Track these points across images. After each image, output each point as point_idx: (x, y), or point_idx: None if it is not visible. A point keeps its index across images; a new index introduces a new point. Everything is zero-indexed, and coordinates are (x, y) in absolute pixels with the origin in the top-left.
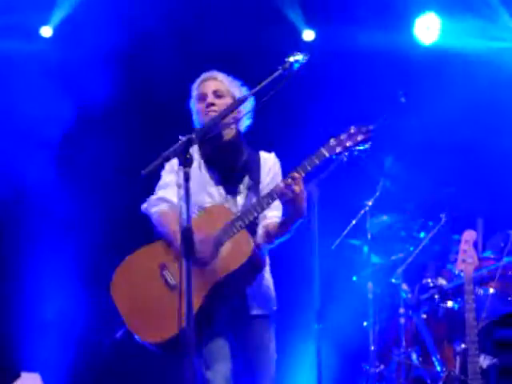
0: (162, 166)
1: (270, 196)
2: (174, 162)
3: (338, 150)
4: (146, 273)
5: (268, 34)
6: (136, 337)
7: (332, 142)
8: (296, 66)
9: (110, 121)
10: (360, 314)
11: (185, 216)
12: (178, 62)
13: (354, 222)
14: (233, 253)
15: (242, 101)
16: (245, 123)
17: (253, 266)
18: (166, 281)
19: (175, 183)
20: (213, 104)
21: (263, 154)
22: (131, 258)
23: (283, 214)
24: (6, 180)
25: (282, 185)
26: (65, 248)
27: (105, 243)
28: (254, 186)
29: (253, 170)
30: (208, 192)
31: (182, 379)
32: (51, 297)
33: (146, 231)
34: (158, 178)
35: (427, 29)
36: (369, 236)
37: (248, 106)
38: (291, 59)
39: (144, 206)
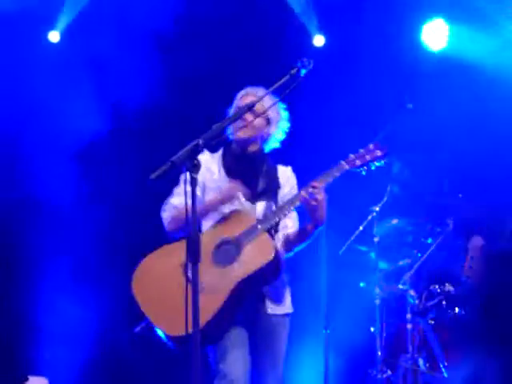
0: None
1: (292, 203)
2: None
3: (358, 163)
4: (168, 271)
5: (280, 38)
6: (160, 330)
7: (352, 156)
8: (303, 72)
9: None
10: (367, 320)
11: (191, 221)
12: (193, 67)
13: (361, 227)
14: (255, 254)
15: (250, 107)
16: (271, 145)
17: (273, 268)
18: (188, 279)
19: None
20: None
21: (281, 167)
22: (152, 256)
23: (302, 222)
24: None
25: (303, 193)
26: (76, 252)
27: (121, 247)
28: (273, 196)
29: (272, 180)
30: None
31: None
32: (60, 300)
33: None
34: (167, 182)
35: (435, 35)
36: (376, 242)
37: (281, 128)
38: (298, 65)
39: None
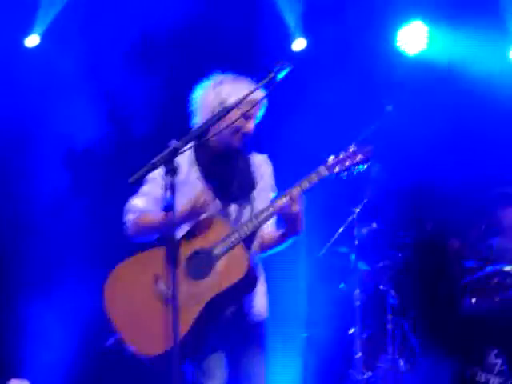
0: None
1: (268, 212)
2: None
3: (338, 169)
4: (139, 284)
5: (259, 40)
6: (131, 348)
7: (331, 160)
8: (281, 75)
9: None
10: (347, 321)
11: (170, 229)
12: (172, 64)
13: (341, 229)
14: (229, 268)
15: (228, 110)
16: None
17: (248, 281)
18: (160, 293)
19: (153, 193)
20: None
21: (256, 158)
22: (123, 267)
23: (279, 228)
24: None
25: (280, 201)
26: (58, 254)
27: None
28: (248, 197)
29: (247, 178)
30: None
31: None
32: (43, 304)
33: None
34: None
35: (413, 38)
36: (356, 243)
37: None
38: (276, 68)
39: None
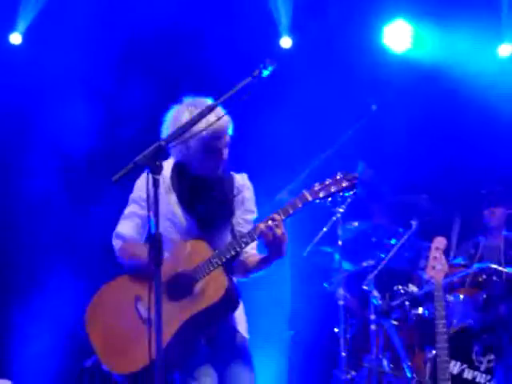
0: (133, 172)
1: (250, 236)
2: (142, 189)
3: (322, 194)
4: (120, 305)
5: (247, 38)
6: (104, 367)
7: (317, 186)
8: (266, 73)
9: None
10: (331, 321)
11: (152, 224)
12: (156, 60)
13: (325, 229)
14: (208, 290)
15: (210, 109)
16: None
17: (227, 303)
18: (139, 314)
19: (135, 214)
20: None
21: (236, 177)
22: (106, 288)
23: (262, 252)
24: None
25: (262, 226)
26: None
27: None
28: (228, 219)
29: (227, 202)
30: (176, 223)
31: None
32: (34, 307)
33: None
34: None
35: (398, 36)
36: (340, 243)
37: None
38: (260, 66)
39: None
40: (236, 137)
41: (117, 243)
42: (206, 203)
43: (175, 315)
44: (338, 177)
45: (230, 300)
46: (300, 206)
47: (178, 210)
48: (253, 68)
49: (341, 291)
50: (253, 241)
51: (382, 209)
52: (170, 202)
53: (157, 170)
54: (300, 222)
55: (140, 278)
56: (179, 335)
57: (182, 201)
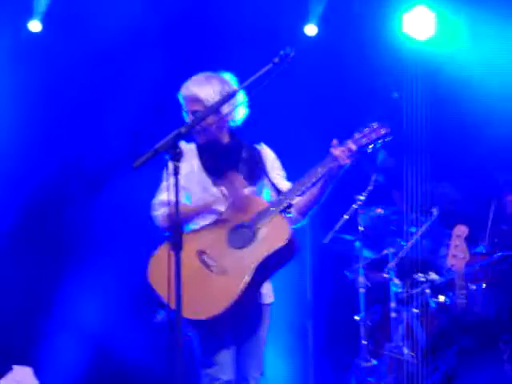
0: (152, 159)
1: (309, 179)
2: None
3: (364, 141)
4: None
5: (271, 25)
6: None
7: (357, 135)
8: (287, 59)
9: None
10: (351, 309)
11: (175, 210)
12: (173, 49)
13: (345, 216)
14: (272, 235)
15: (229, 96)
16: (238, 117)
17: (291, 246)
18: (207, 265)
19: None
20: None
21: (258, 148)
22: (165, 247)
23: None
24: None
25: (320, 169)
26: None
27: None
28: (258, 181)
29: (254, 164)
30: (211, 193)
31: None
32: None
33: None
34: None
35: (420, 23)
36: (360, 230)
37: (237, 99)
38: (281, 53)
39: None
40: (256, 123)
41: (160, 213)
42: (232, 167)
43: (245, 261)
44: (374, 125)
45: (293, 244)
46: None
47: (207, 179)
48: (275, 52)
49: (361, 279)
50: (310, 183)
51: (402, 196)
52: (199, 172)
53: (177, 157)
54: (321, 209)
55: (196, 234)
56: (249, 284)
57: (208, 170)
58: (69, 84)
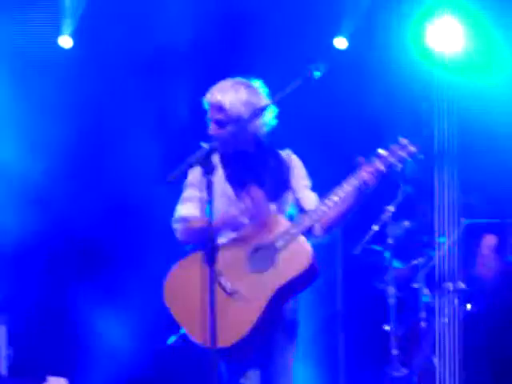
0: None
1: (334, 197)
2: (195, 173)
3: (392, 160)
4: (199, 280)
5: (299, 36)
6: (198, 343)
7: (383, 152)
8: (317, 74)
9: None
10: (381, 319)
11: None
12: (204, 57)
13: (375, 227)
14: (291, 259)
15: (260, 111)
16: (265, 127)
17: (311, 272)
18: (223, 288)
19: (195, 197)
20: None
21: (284, 154)
22: (181, 265)
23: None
24: None
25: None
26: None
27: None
28: (283, 192)
29: (283, 176)
30: (236, 205)
31: None
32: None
33: None
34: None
35: (444, 36)
36: (390, 241)
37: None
38: (311, 68)
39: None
40: (281, 131)
41: (178, 226)
42: (256, 179)
43: (263, 287)
44: (403, 142)
45: (313, 269)
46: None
47: (230, 190)
48: (304, 61)
49: (391, 289)
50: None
51: (430, 207)
52: (226, 183)
53: (210, 171)
54: (351, 219)
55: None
56: (266, 309)
57: (230, 181)
58: (100, 98)
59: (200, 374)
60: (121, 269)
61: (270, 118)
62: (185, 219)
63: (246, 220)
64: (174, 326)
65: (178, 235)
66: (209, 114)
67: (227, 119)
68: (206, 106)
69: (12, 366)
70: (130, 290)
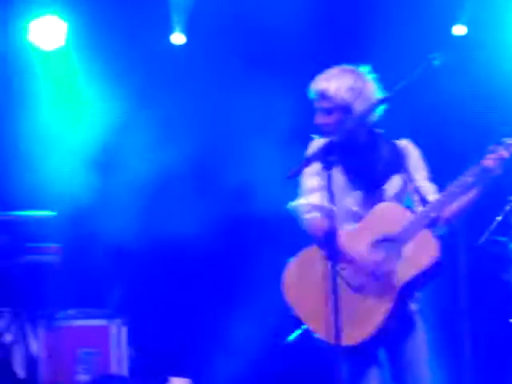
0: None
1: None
2: (314, 165)
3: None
4: (320, 274)
5: (417, 24)
6: (321, 339)
7: (508, 140)
8: (436, 63)
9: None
10: (508, 311)
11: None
12: (318, 46)
13: (499, 218)
14: (418, 254)
15: (377, 105)
16: (375, 115)
17: (438, 267)
18: (347, 282)
19: (319, 186)
20: (322, 123)
21: (400, 144)
22: (301, 258)
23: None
24: None
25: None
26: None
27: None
28: (403, 184)
29: (398, 166)
30: (350, 196)
31: None
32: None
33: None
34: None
35: None
36: None
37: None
38: (431, 58)
39: (293, 205)
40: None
41: (309, 216)
42: (368, 166)
43: (388, 282)
44: None
45: (440, 262)
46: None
47: (345, 179)
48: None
49: None
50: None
51: None
52: (339, 174)
53: (330, 166)
54: (475, 209)
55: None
56: (394, 305)
57: (346, 171)
58: (213, 94)
59: (321, 371)
60: (241, 265)
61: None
62: (318, 207)
63: (361, 211)
64: (295, 323)
65: (307, 224)
66: (315, 103)
67: (333, 106)
68: (312, 95)
69: (133, 367)
70: (251, 287)
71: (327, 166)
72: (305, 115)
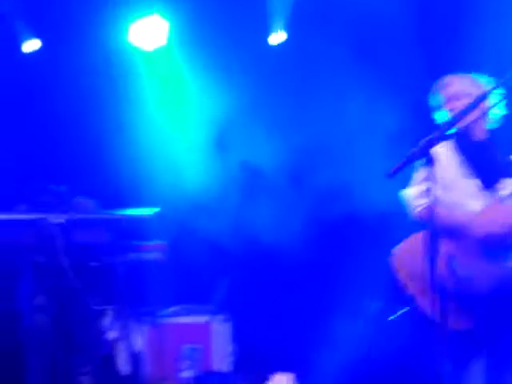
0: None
1: None
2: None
3: None
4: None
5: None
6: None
7: None
8: None
9: None
10: None
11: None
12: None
13: None
14: None
15: (485, 95)
16: (493, 118)
17: None
18: (454, 272)
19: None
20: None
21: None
22: (413, 241)
23: None
24: None
25: None
26: None
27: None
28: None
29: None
30: (467, 186)
31: None
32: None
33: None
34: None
35: None
36: None
37: (493, 99)
38: None
39: (405, 192)
40: None
41: (423, 201)
42: (487, 164)
43: (495, 277)
44: None
45: None
46: None
47: (460, 174)
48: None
49: None
50: None
51: None
52: (457, 171)
53: (430, 164)
54: None
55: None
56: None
57: (466, 162)
58: (313, 93)
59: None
60: (340, 263)
61: (497, 112)
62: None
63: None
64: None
65: (419, 212)
66: (445, 107)
67: (460, 94)
68: (440, 99)
69: (236, 362)
70: (350, 284)
71: (427, 163)
72: (411, 116)
